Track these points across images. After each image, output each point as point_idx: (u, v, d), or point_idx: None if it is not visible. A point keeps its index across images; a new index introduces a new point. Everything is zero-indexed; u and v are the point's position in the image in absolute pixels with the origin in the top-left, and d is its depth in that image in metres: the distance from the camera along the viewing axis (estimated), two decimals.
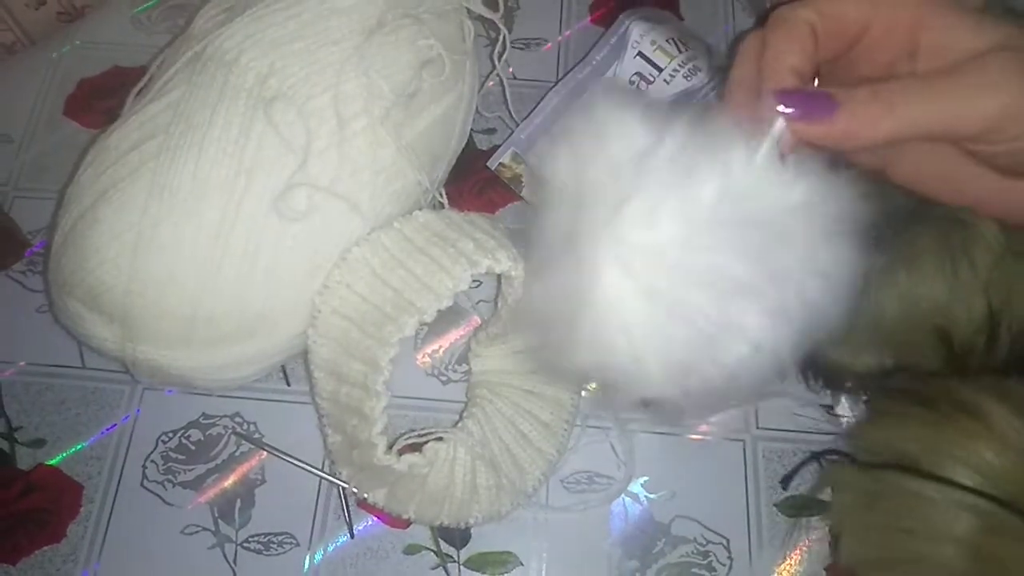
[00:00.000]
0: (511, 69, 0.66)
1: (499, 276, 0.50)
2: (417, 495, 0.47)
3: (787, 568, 0.50)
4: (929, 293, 0.47)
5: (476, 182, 0.61)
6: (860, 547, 0.46)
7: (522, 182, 0.58)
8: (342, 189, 0.47)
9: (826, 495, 0.51)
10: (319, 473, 0.51)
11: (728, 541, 0.51)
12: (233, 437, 0.53)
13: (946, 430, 0.44)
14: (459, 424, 0.51)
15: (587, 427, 0.53)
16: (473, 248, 0.47)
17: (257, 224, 0.45)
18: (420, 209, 0.51)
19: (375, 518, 0.51)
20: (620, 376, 0.41)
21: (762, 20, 0.35)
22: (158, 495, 0.51)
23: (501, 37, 0.55)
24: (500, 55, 0.57)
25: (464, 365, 0.55)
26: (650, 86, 0.57)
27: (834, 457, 0.51)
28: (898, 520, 0.43)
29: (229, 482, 0.52)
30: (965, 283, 0.47)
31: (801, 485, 0.52)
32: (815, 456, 0.51)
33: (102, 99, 0.64)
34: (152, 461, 0.52)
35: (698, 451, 0.53)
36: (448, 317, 0.56)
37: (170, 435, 0.53)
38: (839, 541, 0.48)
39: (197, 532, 0.50)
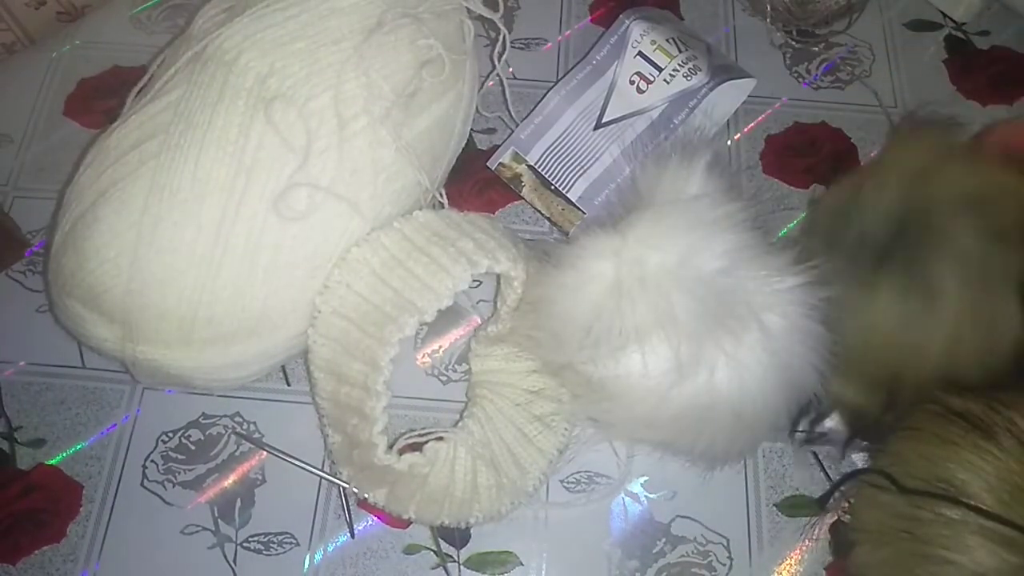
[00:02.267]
0: (511, 69, 0.66)
1: (499, 276, 0.50)
2: (417, 495, 0.47)
3: (787, 568, 0.50)
4: (883, 327, 0.48)
5: (476, 182, 0.61)
6: (879, 566, 0.46)
7: (522, 182, 0.58)
8: (342, 189, 0.47)
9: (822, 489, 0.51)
10: (319, 473, 0.51)
11: (728, 541, 0.50)
12: (233, 437, 0.53)
13: (986, 452, 0.43)
14: (459, 424, 0.51)
15: (588, 427, 0.53)
16: (473, 248, 0.47)
17: (257, 224, 0.45)
18: (420, 209, 0.51)
19: (375, 518, 0.51)
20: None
21: None
22: (158, 495, 0.51)
23: (501, 37, 0.55)
24: (500, 55, 0.56)
25: (464, 365, 0.55)
26: (650, 85, 0.57)
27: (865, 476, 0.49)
28: (925, 546, 0.43)
29: (229, 482, 0.52)
30: (917, 323, 0.47)
31: (802, 486, 0.52)
32: (852, 475, 0.50)
33: (102, 99, 0.64)
34: (152, 461, 0.52)
35: None
36: (448, 317, 0.55)
37: (170, 435, 0.53)
38: (852, 548, 0.47)
39: (197, 532, 0.50)
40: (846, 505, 0.50)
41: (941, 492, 0.43)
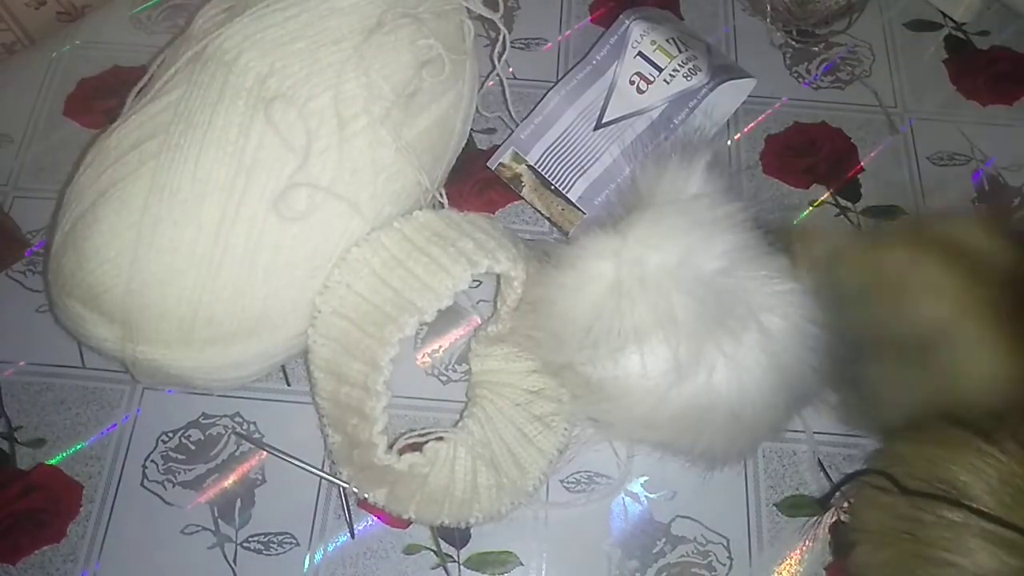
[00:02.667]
0: (511, 69, 0.66)
1: (499, 276, 0.50)
2: (417, 495, 0.47)
3: (787, 568, 0.50)
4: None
5: (476, 182, 0.61)
6: (879, 567, 0.46)
7: (522, 182, 0.58)
8: (342, 189, 0.47)
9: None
10: (319, 473, 0.51)
11: (728, 541, 0.50)
12: (233, 437, 0.53)
13: (988, 455, 0.43)
14: (459, 424, 0.51)
15: (588, 427, 0.53)
16: (473, 248, 0.47)
17: (257, 224, 0.45)
18: (420, 209, 0.51)
19: (375, 518, 0.51)
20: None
21: None
22: (158, 495, 0.51)
23: (501, 37, 0.55)
24: (500, 55, 0.57)
25: (464, 365, 0.55)
26: (650, 86, 0.57)
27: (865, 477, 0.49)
28: (926, 548, 0.42)
29: (229, 482, 0.52)
30: None
31: (802, 486, 0.52)
32: (854, 475, 0.49)
33: (102, 99, 0.64)
34: (152, 461, 0.52)
35: None
36: (448, 317, 0.55)
37: (170, 435, 0.53)
38: (852, 549, 0.47)
39: (197, 532, 0.50)
40: (846, 505, 0.50)
41: (943, 494, 0.42)
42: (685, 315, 0.42)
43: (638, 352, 0.43)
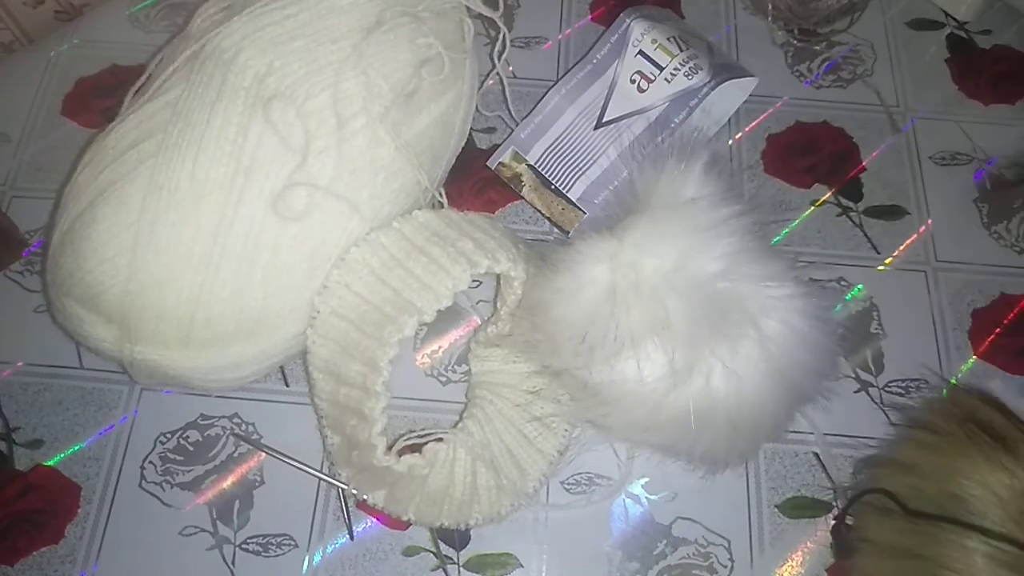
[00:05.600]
0: (511, 68, 0.65)
1: (498, 276, 0.50)
2: (417, 496, 0.47)
3: (788, 569, 0.50)
4: None
5: (476, 182, 0.61)
6: None
7: (522, 182, 0.58)
8: (341, 189, 0.46)
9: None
10: (318, 474, 0.51)
11: (729, 542, 0.50)
12: (231, 438, 0.52)
13: (1002, 470, 0.42)
14: (459, 425, 0.51)
15: (588, 428, 0.52)
16: (473, 248, 0.47)
17: (256, 224, 0.45)
18: (419, 209, 0.50)
19: (374, 519, 0.51)
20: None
21: None
22: (156, 496, 0.51)
23: (501, 36, 0.55)
24: (500, 54, 0.56)
25: (464, 365, 0.54)
26: (651, 84, 0.57)
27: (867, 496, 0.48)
28: (934, 566, 0.42)
29: (228, 483, 0.51)
30: None
31: (804, 487, 0.52)
32: (862, 494, 0.48)
33: (100, 98, 0.63)
34: (150, 462, 0.52)
35: None
36: (448, 317, 0.55)
37: (168, 436, 0.52)
38: (855, 554, 0.47)
39: (195, 533, 0.50)
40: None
41: (949, 518, 0.42)
42: (680, 320, 0.42)
43: (634, 357, 0.43)
